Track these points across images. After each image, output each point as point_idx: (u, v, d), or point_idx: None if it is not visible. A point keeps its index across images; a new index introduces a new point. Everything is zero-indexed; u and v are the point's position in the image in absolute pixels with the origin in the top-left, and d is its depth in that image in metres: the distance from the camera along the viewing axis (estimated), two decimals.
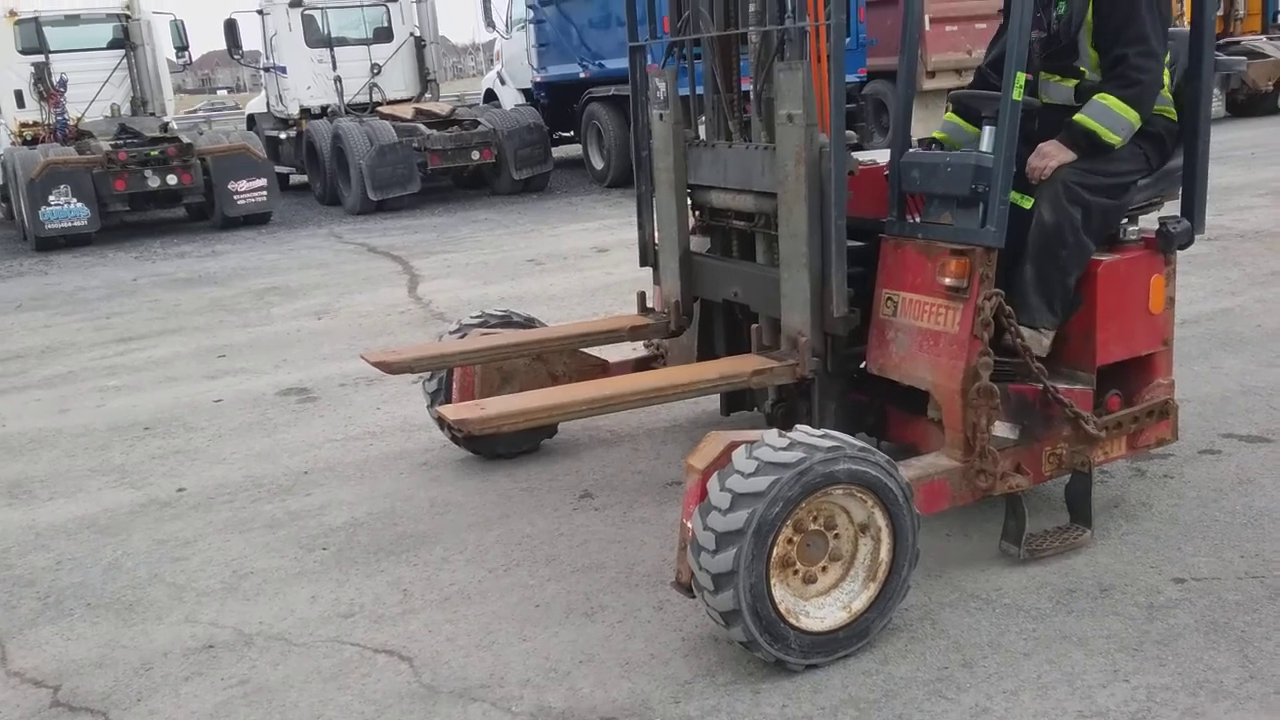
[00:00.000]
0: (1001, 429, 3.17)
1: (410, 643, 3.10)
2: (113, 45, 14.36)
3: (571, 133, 15.65)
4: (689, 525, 2.78)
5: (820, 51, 3.39)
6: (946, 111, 3.71)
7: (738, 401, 4.39)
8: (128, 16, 14.36)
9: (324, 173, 14.32)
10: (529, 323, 4.49)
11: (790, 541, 2.77)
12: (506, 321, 4.47)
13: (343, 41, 15.06)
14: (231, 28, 15.27)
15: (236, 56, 16.37)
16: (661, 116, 3.97)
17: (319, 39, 14.93)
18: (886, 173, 3.51)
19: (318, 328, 7.33)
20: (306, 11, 14.81)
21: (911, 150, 3.49)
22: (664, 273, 4.19)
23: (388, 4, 15.21)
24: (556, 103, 15.33)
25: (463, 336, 4.25)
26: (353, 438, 4.93)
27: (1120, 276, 3.34)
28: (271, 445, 4.91)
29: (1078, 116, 3.27)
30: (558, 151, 15.57)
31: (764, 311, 3.77)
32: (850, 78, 12.97)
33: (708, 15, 3.86)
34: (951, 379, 3.12)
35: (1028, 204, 3.28)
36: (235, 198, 12.66)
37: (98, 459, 4.91)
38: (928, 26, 13.87)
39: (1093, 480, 3.38)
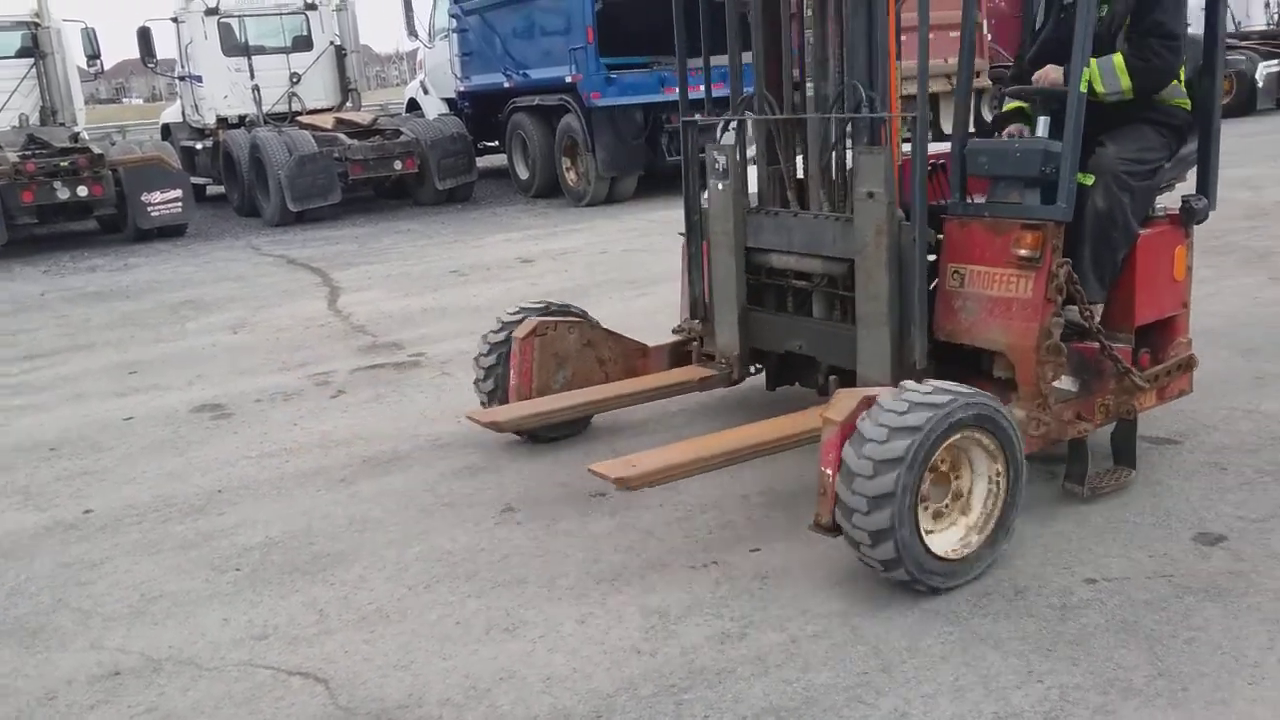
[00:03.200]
0: (1065, 382, 3.64)
1: (326, 664, 3.03)
2: (21, 54, 13.95)
3: (496, 142, 15.56)
4: (828, 472, 3.12)
5: (894, 136, 3.85)
6: (1005, 102, 4.16)
7: None
8: (37, 24, 13.95)
9: (242, 183, 14.05)
10: (583, 314, 4.81)
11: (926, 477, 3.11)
12: (565, 311, 4.76)
13: (260, 50, 14.81)
14: (145, 36, 14.92)
15: (150, 65, 16.00)
16: (721, 186, 4.33)
17: (236, 47, 14.66)
18: (939, 162, 3.95)
19: (234, 342, 7.17)
20: (223, 19, 14.54)
21: (974, 139, 3.91)
22: (720, 326, 4.51)
23: (307, 12, 14.99)
24: (481, 112, 15.21)
25: (522, 319, 4.59)
26: (268, 455, 4.82)
27: (1154, 248, 3.81)
28: (184, 464, 4.79)
29: (1090, 60, 3.57)
30: (482, 161, 15.48)
31: (830, 361, 4.20)
32: None
33: (771, 98, 4.25)
34: (1026, 338, 3.52)
35: (1089, 181, 3.64)
36: (149, 209, 12.35)
37: (0, 481, 4.74)
38: (902, 36, 14.03)
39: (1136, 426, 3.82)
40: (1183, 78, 3.84)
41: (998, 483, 3.24)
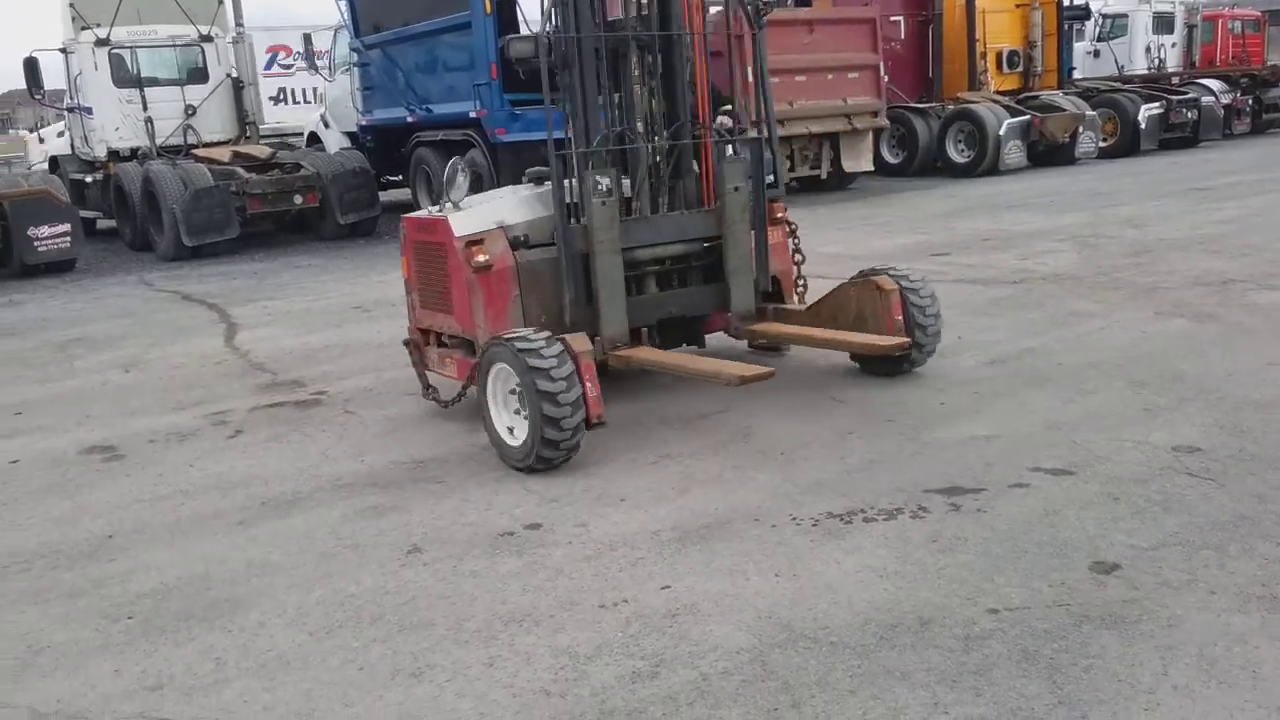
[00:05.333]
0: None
1: (224, 714, 2.92)
2: None
3: (400, 176, 15.44)
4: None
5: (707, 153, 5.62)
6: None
7: None
8: None
9: (134, 218, 13.68)
10: None
11: None
12: None
13: (154, 82, 14.49)
14: (32, 66, 14.46)
15: (38, 96, 15.49)
16: (604, 203, 5.10)
17: (128, 79, 14.31)
18: None
19: (126, 381, 6.93)
20: (114, 51, 14.18)
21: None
22: (608, 320, 5.18)
23: (203, 44, 14.71)
24: (383, 146, 15.10)
25: None
26: (163, 497, 4.66)
27: None
28: (73, 508, 4.60)
29: None
30: (385, 196, 15.32)
31: (702, 313, 5.73)
32: None
33: (632, 132, 5.37)
34: (789, 265, 6.14)
35: None
36: (36, 244, 11.93)
37: None
38: (749, 78, 14.34)
39: None
40: None
41: None
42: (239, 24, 14.83)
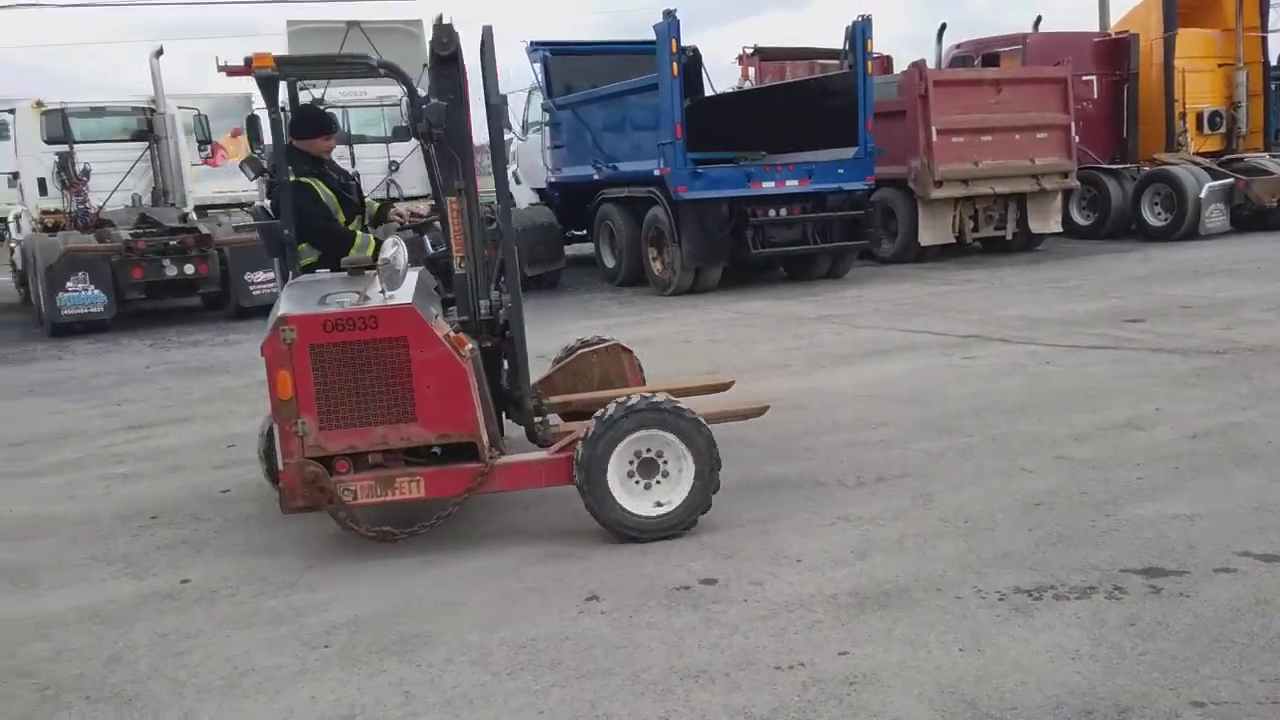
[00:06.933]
0: None
1: None
2: (136, 137, 14.70)
3: (584, 231, 15.91)
4: None
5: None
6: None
7: None
8: (152, 110, 14.73)
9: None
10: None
11: None
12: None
13: (362, 139, 15.44)
14: (253, 123, 15.54)
15: (256, 152, 16.67)
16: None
17: (340, 137, 15.26)
18: None
19: None
20: (329, 110, 15.18)
21: None
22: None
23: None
24: (570, 202, 15.62)
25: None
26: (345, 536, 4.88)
27: None
28: (277, 537, 4.88)
29: None
30: (569, 249, 15.78)
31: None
32: (859, 185, 13.22)
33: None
34: None
35: None
36: (251, 288, 12.82)
37: (102, 548, 4.88)
38: (935, 138, 14.19)
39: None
40: None
41: None
42: None
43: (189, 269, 12.58)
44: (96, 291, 12.08)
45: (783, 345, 9.27)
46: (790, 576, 4.09)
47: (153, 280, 12.54)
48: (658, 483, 4.57)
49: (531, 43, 15.86)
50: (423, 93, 4.97)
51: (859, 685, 3.24)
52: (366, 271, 4.79)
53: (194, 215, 14.81)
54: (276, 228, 5.23)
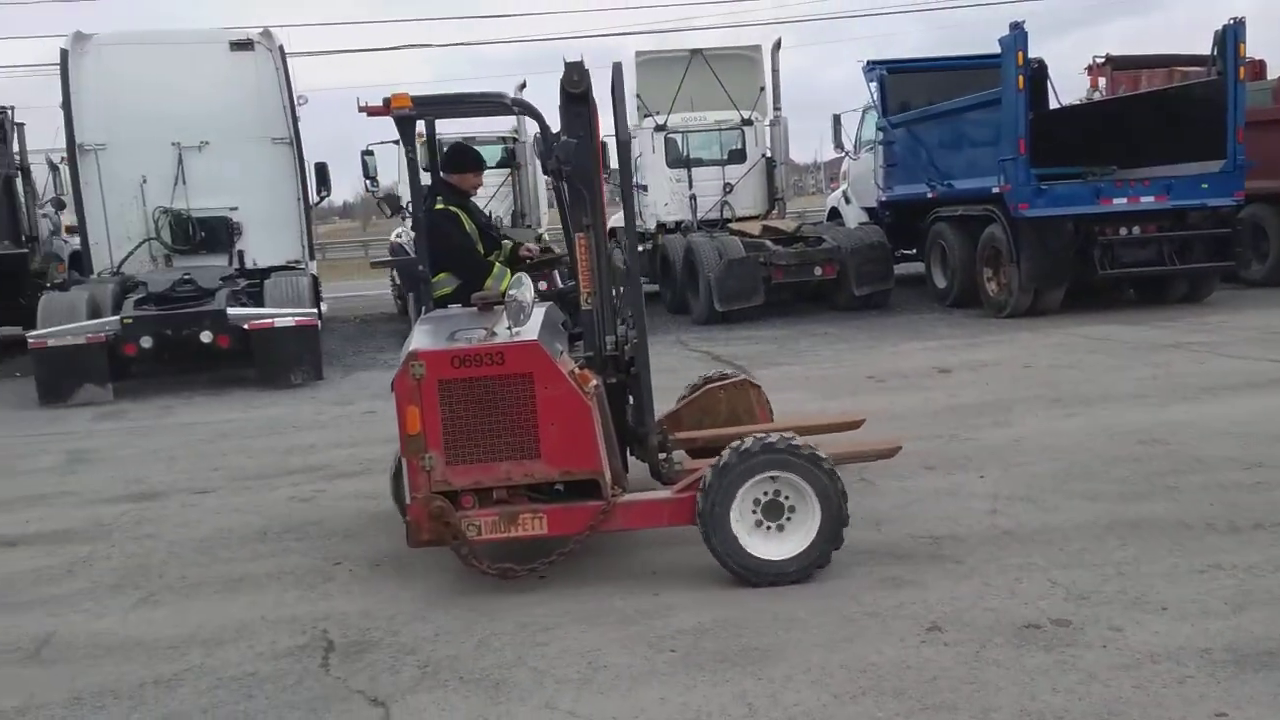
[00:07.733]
0: None
1: None
2: (500, 164, 16.00)
3: (914, 250, 15.61)
4: None
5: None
6: None
7: None
8: (515, 139, 15.98)
9: (674, 283, 15.05)
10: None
11: None
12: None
13: (699, 162, 15.93)
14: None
15: (604, 175, 17.65)
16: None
17: (678, 160, 15.88)
18: None
19: None
20: (669, 135, 15.81)
21: None
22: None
23: (743, 127, 15.94)
24: (900, 221, 15.40)
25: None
26: (696, 540, 5.05)
27: None
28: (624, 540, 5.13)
29: None
30: (899, 269, 15.52)
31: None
32: (1226, 201, 12.11)
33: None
34: None
35: None
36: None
37: None
38: None
39: None
40: None
41: None
42: (777, 107, 15.86)
43: (541, 285, 13.47)
44: None
45: (1136, 374, 8.65)
46: (1155, 625, 3.81)
47: None
48: (782, 525, 4.45)
49: (868, 61, 15.78)
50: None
51: None
52: (495, 307, 4.88)
53: (547, 236, 15.89)
54: (412, 263, 5.41)
